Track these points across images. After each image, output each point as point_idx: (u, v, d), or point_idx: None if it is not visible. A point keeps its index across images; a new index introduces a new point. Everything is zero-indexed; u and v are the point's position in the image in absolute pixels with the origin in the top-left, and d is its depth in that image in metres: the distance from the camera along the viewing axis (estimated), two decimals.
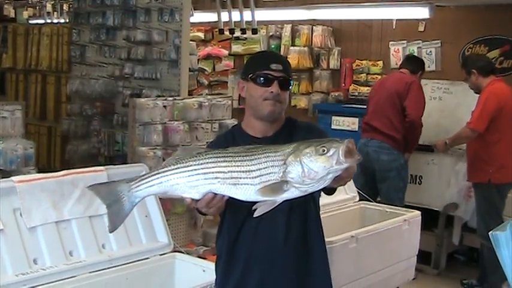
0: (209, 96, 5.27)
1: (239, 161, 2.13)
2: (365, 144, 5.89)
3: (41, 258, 2.96)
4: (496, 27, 6.57)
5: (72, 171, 3.22)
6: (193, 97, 5.31)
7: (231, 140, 2.56)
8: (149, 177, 2.22)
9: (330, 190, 2.43)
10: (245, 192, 2.13)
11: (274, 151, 2.12)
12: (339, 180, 2.14)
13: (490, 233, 1.79)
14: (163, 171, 2.19)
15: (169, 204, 4.18)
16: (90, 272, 3.06)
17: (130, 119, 4.72)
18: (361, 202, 4.95)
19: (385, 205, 4.95)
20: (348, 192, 4.87)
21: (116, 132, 6.07)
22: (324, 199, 4.51)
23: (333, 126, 7.05)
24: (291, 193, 2.11)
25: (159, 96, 5.30)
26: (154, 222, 3.44)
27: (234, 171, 2.12)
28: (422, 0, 6.52)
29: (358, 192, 4.96)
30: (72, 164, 6.29)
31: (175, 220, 4.36)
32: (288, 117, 2.66)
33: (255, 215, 2.16)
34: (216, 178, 2.14)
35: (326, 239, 3.68)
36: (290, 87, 2.53)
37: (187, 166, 2.16)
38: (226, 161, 2.14)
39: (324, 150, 2.04)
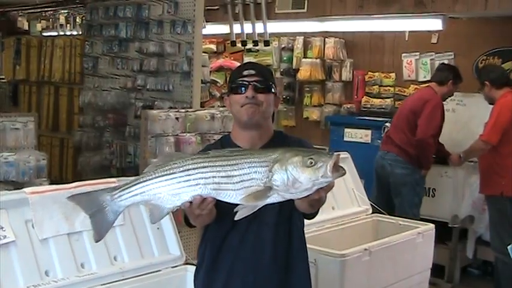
0: (221, 108, 5.28)
1: (220, 166, 2.13)
2: (382, 156, 5.88)
3: (53, 270, 2.94)
4: (510, 39, 6.51)
5: (84, 183, 3.20)
6: (205, 109, 5.32)
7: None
8: (132, 186, 2.21)
9: (309, 215, 2.45)
10: (227, 197, 2.15)
11: (257, 156, 2.13)
12: (317, 194, 2.12)
13: (509, 246, 1.76)
14: (145, 180, 2.19)
15: (181, 217, 4.15)
16: (102, 285, 3.03)
17: (143, 130, 4.73)
18: (374, 215, 4.90)
19: (399, 218, 4.90)
20: (361, 204, 4.83)
21: (128, 144, 6.08)
22: (336, 212, 4.57)
23: (345, 139, 7.02)
24: (273, 199, 2.13)
25: (171, 108, 5.32)
26: (166, 235, 3.42)
27: (216, 177, 2.13)
28: (435, 12, 6.50)
29: (372, 205, 4.93)
30: (84, 176, 6.30)
31: (187, 232, 4.34)
32: (278, 131, 2.69)
33: (236, 218, 2.16)
34: (197, 184, 2.15)
35: (339, 252, 3.71)
36: (269, 89, 2.52)
37: (169, 174, 2.16)
38: (207, 167, 2.14)
39: (311, 163, 2.05)
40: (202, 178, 2.13)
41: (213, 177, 2.13)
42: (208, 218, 2.34)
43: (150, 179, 2.19)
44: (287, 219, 2.49)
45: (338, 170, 2.06)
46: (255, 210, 2.15)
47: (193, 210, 2.22)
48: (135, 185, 2.21)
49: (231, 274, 2.52)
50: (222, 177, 2.12)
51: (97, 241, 2.36)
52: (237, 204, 2.16)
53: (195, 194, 2.16)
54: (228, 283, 2.52)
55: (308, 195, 2.11)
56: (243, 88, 2.50)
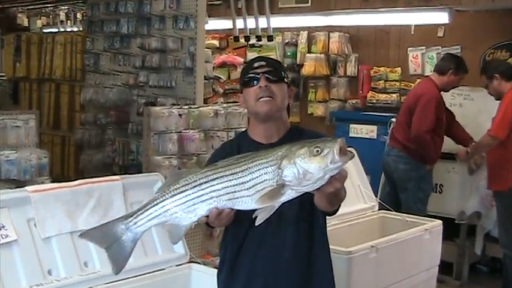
0: (225, 105, 5.23)
1: (230, 174, 2.13)
2: (387, 153, 5.87)
3: (56, 269, 2.93)
4: None
5: (87, 181, 3.20)
6: (208, 105, 5.28)
7: (235, 148, 2.58)
8: (146, 210, 2.20)
9: (330, 212, 2.45)
10: (243, 204, 2.15)
11: (264, 157, 2.12)
12: (332, 186, 2.10)
13: None
14: (159, 202, 2.19)
15: None
16: (105, 283, 3.01)
17: (145, 127, 4.70)
18: (380, 211, 4.90)
19: (406, 214, 4.87)
20: (367, 201, 4.83)
21: (130, 141, 6.05)
22: (342, 209, 4.50)
23: (350, 134, 6.99)
24: (288, 195, 2.11)
25: (174, 104, 5.27)
26: None
27: (228, 187, 2.13)
28: (441, 5, 6.44)
29: (378, 202, 4.90)
30: (86, 174, 6.28)
31: (192, 230, 4.27)
32: (294, 125, 2.70)
33: (257, 223, 2.16)
34: (211, 198, 2.15)
35: (346, 249, 3.68)
36: (281, 79, 2.54)
37: (181, 192, 2.16)
38: (217, 178, 2.14)
39: (318, 151, 2.04)
40: (214, 191, 2.14)
41: (226, 187, 2.12)
42: (227, 222, 2.32)
43: (163, 200, 2.18)
44: (308, 213, 2.48)
45: (346, 153, 2.04)
46: (273, 211, 2.14)
47: (211, 222, 2.24)
48: (149, 208, 2.19)
49: (251, 272, 2.51)
50: (234, 185, 2.12)
51: (117, 274, 2.30)
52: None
53: (210, 208, 2.16)
54: (249, 281, 2.52)
55: (322, 187, 2.08)
56: (255, 80, 2.50)
